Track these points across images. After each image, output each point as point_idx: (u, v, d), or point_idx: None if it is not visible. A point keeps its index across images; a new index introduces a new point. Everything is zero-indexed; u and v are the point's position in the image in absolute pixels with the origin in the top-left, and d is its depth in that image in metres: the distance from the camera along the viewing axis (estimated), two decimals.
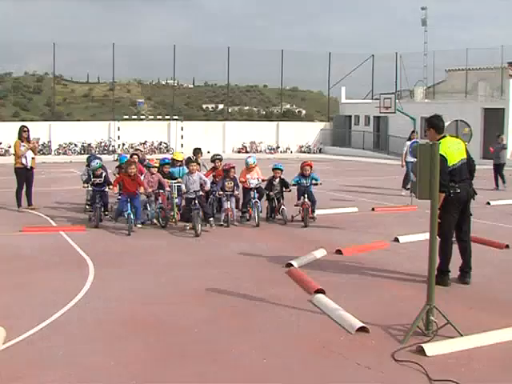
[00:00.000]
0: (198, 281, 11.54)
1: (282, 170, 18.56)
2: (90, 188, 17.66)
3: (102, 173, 17.63)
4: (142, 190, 16.65)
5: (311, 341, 8.55)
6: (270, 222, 18.06)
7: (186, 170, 17.69)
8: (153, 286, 11.14)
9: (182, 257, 13.58)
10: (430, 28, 56.63)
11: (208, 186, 17.28)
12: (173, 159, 19.50)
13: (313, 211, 18.20)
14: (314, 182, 18.34)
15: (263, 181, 18.41)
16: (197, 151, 20.26)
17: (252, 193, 17.99)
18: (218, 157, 19.83)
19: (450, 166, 10.92)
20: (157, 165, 18.21)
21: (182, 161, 19.55)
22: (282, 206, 18.16)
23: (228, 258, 13.55)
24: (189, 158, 19.30)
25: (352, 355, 8.01)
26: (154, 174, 17.74)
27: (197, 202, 16.45)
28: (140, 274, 12.04)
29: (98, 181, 17.46)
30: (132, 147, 47.68)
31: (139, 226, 16.57)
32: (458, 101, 44.80)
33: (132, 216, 16.09)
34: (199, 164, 18.63)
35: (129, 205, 16.24)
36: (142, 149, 24.58)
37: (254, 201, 17.79)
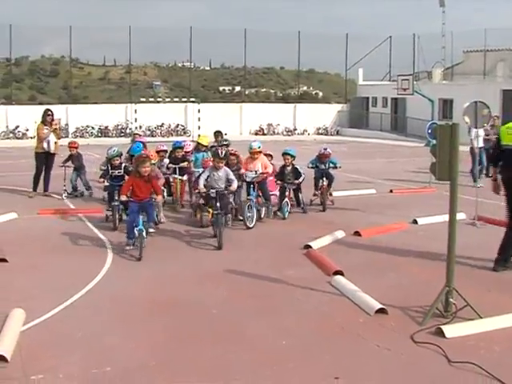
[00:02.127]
0: (217, 263, 11.55)
1: (293, 157, 16.39)
2: (106, 183, 15.33)
3: (120, 163, 15.14)
4: (159, 198, 13.05)
5: (330, 322, 8.54)
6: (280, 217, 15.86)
7: (209, 154, 16.71)
8: (171, 269, 11.17)
9: (200, 240, 13.60)
10: (448, 9, 55.91)
11: (234, 186, 13.95)
12: (198, 143, 17.86)
13: (328, 191, 17.42)
14: (332, 165, 17.48)
15: (266, 174, 15.52)
16: (217, 134, 20.03)
17: (248, 187, 15.48)
18: (224, 142, 18.22)
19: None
20: (154, 161, 15.68)
21: (207, 146, 17.76)
22: (300, 195, 16.59)
23: (246, 240, 13.55)
24: (213, 147, 17.29)
25: (371, 337, 8.00)
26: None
27: (218, 204, 13.33)
28: (158, 257, 12.05)
29: (116, 173, 14.95)
30: (149, 129, 47.76)
31: (152, 230, 12.91)
32: (476, 82, 44.39)
33: (144, 234, 12.28)
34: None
35: (140, 218, 12.46)
36: (140, 132, 22.66)
37: (251, 197, 15.09)
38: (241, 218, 15.00)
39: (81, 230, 14.30)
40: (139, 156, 13.78)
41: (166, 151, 17.72)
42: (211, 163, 14.52)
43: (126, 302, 9.35)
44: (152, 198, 12.77)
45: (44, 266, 11.35)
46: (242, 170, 15.38)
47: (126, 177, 14.22)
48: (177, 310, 9.05)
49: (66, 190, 18.64)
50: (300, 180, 16.27)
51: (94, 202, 17.96)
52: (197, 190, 14.73)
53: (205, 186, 13.82)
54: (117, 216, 14.46)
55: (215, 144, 18.31)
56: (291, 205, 16.22)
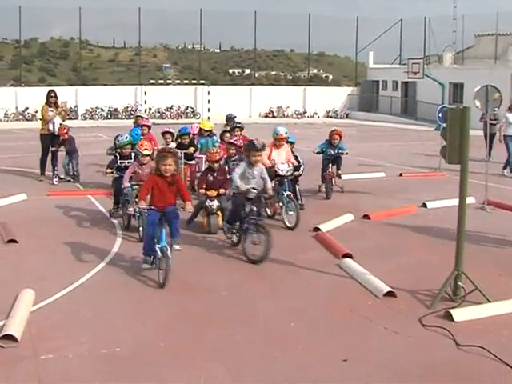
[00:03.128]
0: (226, 245, 11.56)
1: (292, 144, 14.96)
2: (115, 174, 13.62)
3: (130, 153, 13.72)
4: (188, 206, 10.02)
5: (339, 305, 8.55)
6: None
7: (217, 141, 16.14)
8: (181, 250, 11.17)
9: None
10: None
11: (269, 186, 11.56)
12: (200, 128, 17.13)
13: (338, 175, 16.81)
14: (340, 151, 16.62)
15: (294, 167, 13.87)
16: (229, 119, 19.71)
17: (283, 182, 13.59)
18: (238, 124, 16.68)
19: None
20: (148, 152, 12.62)
21: (211, 130, 16.84)
22: (298, 188, 14.57)
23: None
24: (225, 132, 16.29)
25: (379, 320, 8.01)
26: (144, 164, 12.47)
27: (255, 208, 11.06)
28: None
29: (126, 163, 13.42)
30: (159, 111, 47.72)
31: (177, 247, 9.87)
32: (487, 66, 44.13)
33: (169, 253, 9.42)
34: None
35: (163, 231, 9.78)
36: (143, 115, 21.41)
37: (285, 194, 13.29)
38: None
39: (90, 212, 14.33)
40: (160, 150, 10.74)
41: (171, 133, 16.75)
42: (223, 152, 13.95)
43: (136, 284, 9.38)
44: (177, 207, 10.02)
45: (53, 247, 11.39)
46: (266, 161, 12.95)
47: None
48: (187, 292, 9.07)
49: (57, 175, 18.30)
50: (300, 171, 14.68)
51: (102, 182, 17.90)
52: (202, 190, 12.78)
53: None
54: (127, 216, 12.72)
55: (227, 129, 17.81)
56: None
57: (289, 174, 13.52)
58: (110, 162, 13.96)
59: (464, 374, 6.57)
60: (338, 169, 16.89)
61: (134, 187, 12.36)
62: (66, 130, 18.53)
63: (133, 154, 13.62)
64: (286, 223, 13.04)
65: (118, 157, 13.72)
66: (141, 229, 11.62)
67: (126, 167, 13.11)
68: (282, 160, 13.63)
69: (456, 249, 8.72)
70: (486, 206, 14.96)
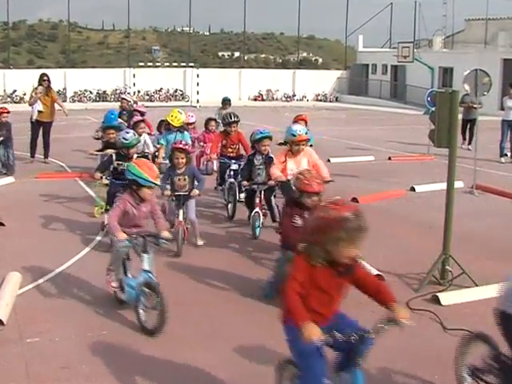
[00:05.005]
0: (220, 235, 11.56)
1: (270, 138, 11.71)
2: (106, 180, 11.23)
3: (134, 153, 11.00)
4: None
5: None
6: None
7: (188, 136, 13.71)
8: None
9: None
10: None
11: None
12: (166, 122, 14.31)
13: None
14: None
15: (326, 182, 9.60)
16: (225, 102, 19.56)
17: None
18: (234, 119, 13.38)
19: None
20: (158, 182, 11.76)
21: (181, 126, 13.88)
22: (274, 201, 11.36)
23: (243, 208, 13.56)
24: (225, 125, 13.58)
25: (367, 303, 7.98)
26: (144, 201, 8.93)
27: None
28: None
29: (124, 166, 9.84)
30: (148, 94, 47.51)
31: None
32: (476, 51, 44.13)
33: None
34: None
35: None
36: (128, 98, 20.15)
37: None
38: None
39: (78, 195, 14.28)
40: (174, 144, 10.70)
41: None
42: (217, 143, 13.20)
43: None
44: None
45: (40, 231, 11.36)
46: (275, 171, 10.23)
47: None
48: (177, 275, 9.07)
49: None
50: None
51: (90, 165, 17.81)
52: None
53: (245, 177, 11.49)
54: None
55: (222, 112, 17.25)
56: (263, 215, 11.51)
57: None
58: (100, 164, 11.76)
59: (450, 358, 6.58)
60: None
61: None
62: (7, 110, 17.22)
63: (135, 156, 10.80)
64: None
65: (114, 157, 10.87)
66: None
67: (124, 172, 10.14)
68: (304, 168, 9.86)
69: (444, 232, 8.75)
70: (474, 190, 14.99)
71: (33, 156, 18.62)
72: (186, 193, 10.33)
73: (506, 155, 20.48)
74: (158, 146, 14.15)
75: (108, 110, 16.05)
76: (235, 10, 53.72)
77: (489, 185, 15.45)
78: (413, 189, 15.24)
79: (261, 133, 11.60)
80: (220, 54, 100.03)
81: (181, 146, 10.43)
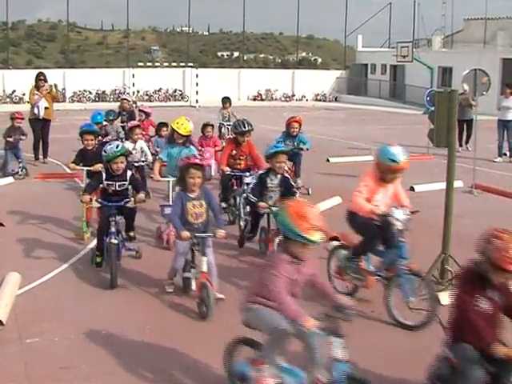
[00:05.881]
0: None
1: (286, 153, 10.40)
2: (94, 204, 9.41)
3: (126, 170, 9.38)
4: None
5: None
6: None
7: (194, 151, 10.72)
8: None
9: None
10: None
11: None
12: (173, 131, 11.07)
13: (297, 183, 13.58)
14: (301, 146, 14.16)
15: (412, 213, 8.64)
16: (225, 100, 19.47)
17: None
18: (248, 127, 11.84)
19: None
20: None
21: (189, 136, 11.10)
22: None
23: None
24: (236, 133, 12.04)
25: (367, 302, 8.01)
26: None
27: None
28: (151, 224, 12.02)
29: (117, 186, 9.26)
30: (147, 94, 47.50)
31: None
32: (476, 50, 44.12)
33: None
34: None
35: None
36: (128, 98, 19.78)
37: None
38: None
39: (77, 195, 14.24)
40: (185, 159, 8.52)
41: (165, 124, 15.17)
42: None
43: (121, 269, 9.33)
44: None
45: (40, 231, 11.35)
46: (363, 203, 8.26)
47: (136, 190, 9.42)
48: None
49: (24, 167, 16.50)
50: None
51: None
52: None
53: (257, 198, 9.80)
54: (114, 265, 8.65)
55: (224, 112, 16.97)
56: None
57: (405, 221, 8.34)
58: (88, 184, 9.87)
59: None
60: (297, 167, 14.40)
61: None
62: (20, 117, 16.92)
63: (129, 173, 9.41)
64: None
65: (104, 175, 9.29)
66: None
67: (117, 192, 9.27)
68: (387, 200, 8.59)
69: (443, 232, 8.75)
70: (473, 190, 15.00)
71: (37, 158, 18.46)
72: (211, 235, 8.07)
73: (505, 155, 20.44)
74: (157, 149, 13.97)
75: (95, 111, 15.99)
76: (234, 10, 53.83)
77: (488, 184, 15.45)
78: (412, 188, 15.22)
79: (275, 147, 10.09)
80: (219, 53, 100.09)
81: (197, 161, 8.34)
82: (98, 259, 9.19)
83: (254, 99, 50.89)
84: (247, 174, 11.58)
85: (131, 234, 9.69)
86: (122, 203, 9.16)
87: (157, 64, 54.50)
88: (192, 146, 11.01)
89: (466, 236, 10.98)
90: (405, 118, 37.63)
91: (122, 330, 7.16)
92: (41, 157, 18.54)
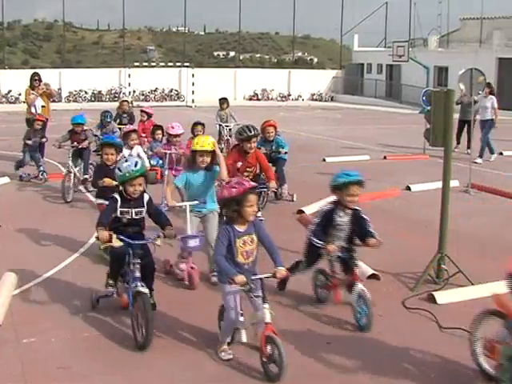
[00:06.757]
0: None
1: (361, 184, 7.96)
2: (115, 242, 7.05)
3: (142, 194, 7.45)
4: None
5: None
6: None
7: (219, 170, 8.75)
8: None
9: None
10: None
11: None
12: (191, 156, 8.86)
13: (280, 190, 13.61)
14: (276, 149, 13.60)
15: None
16: (222, 101, 19.41)
17: None
18: (254, 132, 10.86)
19: None
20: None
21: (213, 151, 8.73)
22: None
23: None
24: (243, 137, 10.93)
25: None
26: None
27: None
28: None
29: (131, 215, 7.39)
30: (143, 94, 47.46)
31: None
32: (471, 50, 44.18)
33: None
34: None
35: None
36: (129, 99, 19.45)
37: None
38: None
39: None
40: (243, 186, 6.34)
41: (159, 127, 14.96)
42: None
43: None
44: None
45: (36, 231, 11.32)
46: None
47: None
48: (170, 276, 9.05)
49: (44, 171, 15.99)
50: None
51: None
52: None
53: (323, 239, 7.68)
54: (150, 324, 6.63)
55: (222, 113, 16.84)
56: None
57: None
58: (102, 214, 7.52)
59: (446, 357, 6.60)
60: (280, 173, 13.63)
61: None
62: (42, 119, 16.48)
63: (146, 197, 7.47)
64: None
65: (119, 200, 7.33)
66: None
67: (133, 223, 7.43)
68: None
69: (439, 231, 8.76)
70: (469, 189, 15.01)
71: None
72: (270, 275, 6.46)
73: (495, 153, 20.42)
74: (154, 150, 13.55)
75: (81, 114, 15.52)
76: (230, 10, 53.73)
77: (484, 184, 15.47)
78: (408, 188, 15.25)
79: (346, 175, 7.73)
80: (215, 53, 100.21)
81: (252, 183, 6.57)
82: (111, 281, 7.61)
83: (250, 99, 50.90)
84: (261, 186, 10.23)
85: (151, 300, 7.26)
86: (151, 240, 7.28)
87: (153, 64, 54.42)
88: (216, 167, 8.77)
89: (463, 235, 11.05)
90: (401, 117, 37.68)
91: (119, 331, 7.15)
92: None
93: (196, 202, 8.70)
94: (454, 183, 13.20)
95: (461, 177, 15.04)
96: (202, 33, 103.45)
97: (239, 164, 10.74)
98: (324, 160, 18.60)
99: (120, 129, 16.42)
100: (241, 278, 6.14)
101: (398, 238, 11.08)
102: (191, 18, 53.82)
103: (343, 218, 7.74)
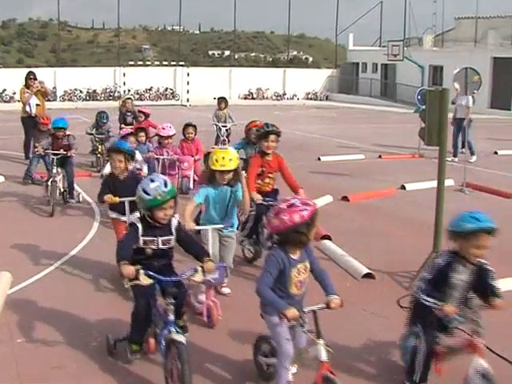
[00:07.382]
0: None
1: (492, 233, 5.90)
2: (142, 279, 5.71)
3: (170, 221, 6.11)
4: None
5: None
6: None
7: (241, 190, 7.91)
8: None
9: None
10: None
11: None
12: (211, 172, 7.79)
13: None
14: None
15: None
16: (220, 101, 19.34)
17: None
18: (272, 128, 9.34)
19: None
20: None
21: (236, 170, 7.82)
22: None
23: None
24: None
25: (358, 301, 8.02)
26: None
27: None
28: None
29: (158, 244, 6.08)
30: (138, 93, 47.40)
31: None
32: (466, 49, 44.24)
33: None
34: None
35: None
36: (132, 97, 19.19)
37: None
38: None
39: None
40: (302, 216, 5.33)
41: (143, 129, 14.04)
42: None
43: (111, 269, 9.29)
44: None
45: (30, 230, 11.31)
46: None
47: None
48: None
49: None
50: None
51: (80, 164, 17.69)
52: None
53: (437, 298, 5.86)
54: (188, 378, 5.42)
55: (220, 113, 16.81)
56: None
57: None
58: (120, 245, 6.21)
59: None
60: None
61: None
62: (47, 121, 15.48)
63: (174, 222, 6.15)
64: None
65: (140, 228, 6.05)
66: None
67: (160, 255, 6.17)
68: None
69: (434, 230, 8.76)
70: (464, 188, 15.03)
71: (27, 157, 18.31)
72: (324, 306, 5.59)
73: (462, 152, 19.66)
74: (149, 154, 12.72)
75: (63, 116, 14.60)
76: (225, 9, 53.69)
77: (479, 183, 15.50)
78: (403, 187, 15.26)
79: (476, 220, 5.75)
80: (210, 52, 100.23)
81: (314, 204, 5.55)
82: (135, 347, 6.35)
83: (245, 98, 50.91)
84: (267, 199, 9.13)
85: (180, 322, 6.18)
86: (187, 275, 5.99)
87: (148, 63, 54.42)
88: (239, 184, 7.86)
89: None
90: (396, 116, 37.71)
91: (114, 330, 7.14)
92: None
93: (221, 226, 7.76)
94: (448, 182, 13.21)
95: (456, 176, 15.06)
96: (197, 32, 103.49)
97: (261, 170, 9.31)
98: (319, 159, 18.61)
99: (121, 128, 16.11)
100: (293, 313, 5.20)
101: (392, 237, 11.10)
102: (186, 16, 53.97)
103: (461, 275, 5.92)
